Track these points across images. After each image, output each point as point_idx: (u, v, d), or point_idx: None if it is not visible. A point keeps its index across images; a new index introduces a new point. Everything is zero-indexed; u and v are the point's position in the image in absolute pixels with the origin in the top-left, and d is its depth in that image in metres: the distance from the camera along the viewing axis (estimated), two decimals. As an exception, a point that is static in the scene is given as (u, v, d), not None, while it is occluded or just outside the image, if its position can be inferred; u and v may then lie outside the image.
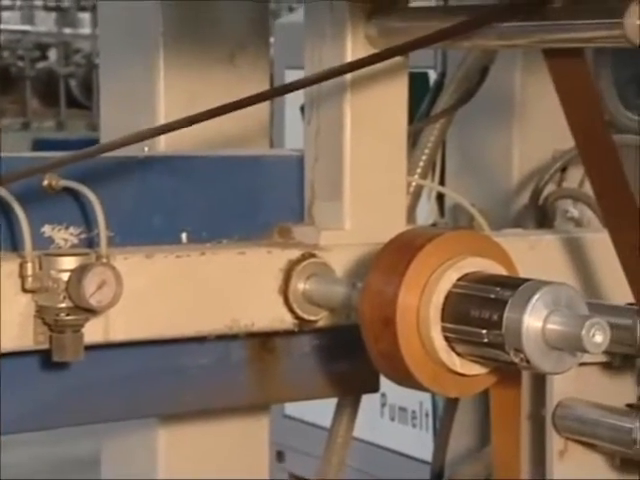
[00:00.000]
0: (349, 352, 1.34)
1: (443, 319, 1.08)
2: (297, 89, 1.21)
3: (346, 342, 1.30)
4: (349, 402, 1.61)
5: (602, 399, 1.28)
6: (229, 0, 1.56)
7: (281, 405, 3.15)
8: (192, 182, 1.33)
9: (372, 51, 1.28)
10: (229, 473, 1.57)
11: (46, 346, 1.15)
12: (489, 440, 1.20)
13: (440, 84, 2.03)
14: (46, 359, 1.17)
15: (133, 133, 1.16)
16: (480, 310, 1.06)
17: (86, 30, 11.84)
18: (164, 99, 1.53)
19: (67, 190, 1.20)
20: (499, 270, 1.11)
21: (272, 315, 1.26)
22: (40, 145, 9.83)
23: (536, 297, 1.04)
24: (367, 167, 1.33)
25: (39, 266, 1.14)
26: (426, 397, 2.91)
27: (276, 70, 3.11)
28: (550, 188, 1.88)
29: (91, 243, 1.23)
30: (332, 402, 1.61)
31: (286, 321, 1.27)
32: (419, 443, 2.94)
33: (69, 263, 1.14)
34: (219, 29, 1.55)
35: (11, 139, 9.18)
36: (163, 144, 1.48)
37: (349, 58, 1.29)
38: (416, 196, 1.74)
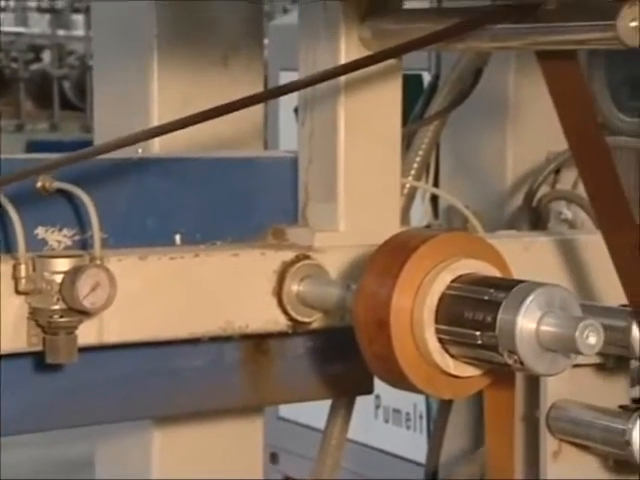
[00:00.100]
0: (343, 354, 1.34)
1: (437, 321, 1.08)
2: (291, 91, 1.21)
3: (340, 344, 1.30)
4: (343, 404, 1.61)
5: (596, 401, 1.28)
6: (223, 2, 1.56)
7: (275, 407, 3.15)
8: (186, 184, 1.33)
9: (366, 53, 1.28)
10: (223, 475, 1.57)
11: (39, 348, 1.15)
12: (483, 442, 1.20)
13: (434, 86, 2.03)
14: (40, 361, 1.17)
15: (127, 136, 1.16)
16: (474, 312, 1.06)
17: (80, 32, 11.83)
18: (158, 101, 1.53)
19: (60, 192, 1.20)
20: (493, 272, 1.11)
21: (266, 317, 1.26)
22: (34, 147, 9.83)
23: (530, 299, 1.04)
24: (361, 169, 1.33)
25: (33, 268, 1.14)
26: (420, 399, 2.91)
27: (270, 72, 3.11)
28: (544, 190, 1.88)
29: (85, 245, 1.23)
30: (326, 404, 1.61)
31: (280, 323, 1.27)
32: (413, 445, 2.94)
33: (63, 265, 1.14)
34: (213, 31, 1.55)
35: (5, 141, 9.17)
36: (157, 146, 1.49)
37: (343, 60, 1.29)
38: (410, 198, 1.74)
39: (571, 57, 1.19)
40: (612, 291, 1.29)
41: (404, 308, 1.09)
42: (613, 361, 1.29)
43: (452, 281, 1.09)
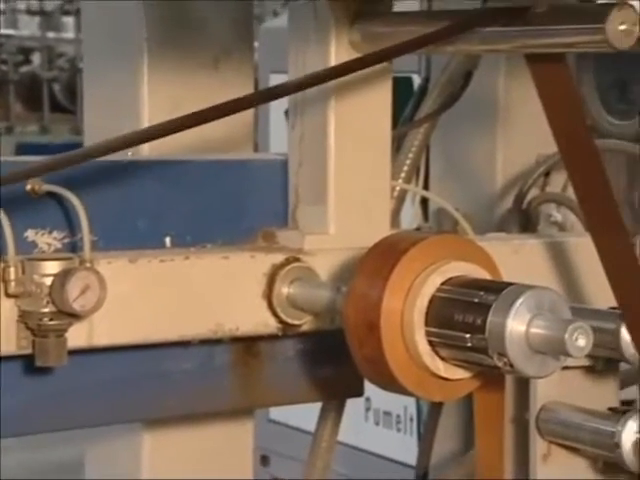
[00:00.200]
0: (333, 356, 1.34)
1: (427, 323, 1.09)
2: (280, 96, 1.21)
3: (330, 346, 1.30)
4: (333, 406, 1.61)
5: (585, 403, 1.28)
6: (213, 5, 1.56)
7: (265, 409, 3.15)
8: (176, 186, 1.33)
9: (356, 56, 1.28)
10: (214, 477, 1.57)
11: (29, 351, 1.15)
12: (473, 444, 1.20)
13: (424, 89, 2.03)
14: (29, 364, 1.17)
15: (116, 138, 1.15)
16: (464, 314, 1.06)
17: (70, 34, 11.81)
18: (148, 104, 1.53)
19: (50, 194, 1.19)
20: (483, 274, 1.12)
21: (256, 319, 1.26)
22: (24, 149, 9.80)
23: (519, 301, 1.04)
24: (351, 171, 1.33)
25: (22, 271, 1.14)
26: (410, 401, 2.91)
27: (261, 74, 3.11)
28: (533, 192, 1.88)
29: (74, 248, 1.23)
30: (316, 406, 1.61)
31: (270, 325, 1.27)
32: (403, 447, 2.94)
33: (52, 268, 1.14)
34: (203, 34, 1.55)
35: (-6, 143, 9.15)
36: (147, 148, 1.48)
37: (333, 63, 1.29)
38: (400, 200, 1.75)
39: (560, 60, 1.20)
40: (601, 293, 1.30)
41: (394, 310, 1.09)
42: (602, 363, 1.30)
43: (442, 283, 1.09)
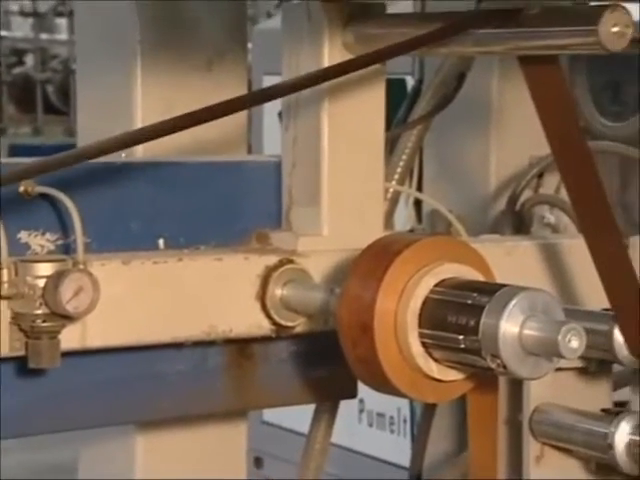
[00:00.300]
0: (327, 358, 1.35)
1: (420, 325, 1.09)
2: (274, 98, 1.21)
3: (324, 348, 1.30)
4: (327, 408, 1.61)
5: (578, 404, 1.29)
6: (207, 7, 1.56)
7: (259, 411, 3.14)
8: (169, 188, 1.32)
9: (349, 57, 1.28)
10: (207, 479, 1.57)
11: (22, 353, 1.15)
12: (466, 445, 1.20)
13: (417, 90, 2.04)
14: (22, 366, 1.16)
15: (108, 139, 1.15)
16: (457, 316, 1.06)
17: (63, 36, 11.79)
18: (141, 106, 1.53)
19: (43, 196, 1.19)
20: (476, 276, 1.12)
21: (250, 321, 1.26)
22: (16, 151, 9.78)
23: (513, 303, 1.04)
24: (345, 173, 1.33)
25: (15, 272, 1.14)
26: (404, 403, 2.92)
27: (254, 76, 3.11)
28: (527, 194, 1.89)
29: (68, 249, 1.23)
30: (310, 408, 1.61)
31: (264, 327, 1.27)
32: (397, 449, 2.94)
33: (45, 269, 1.13)
34: (196, 36, 1.55)
35: (-13, 145, 9.14)
36: (140, 149, 1.48)
37: (326, 64, 1.29)
38: (394, 202, 1.75)
39: (553, 62, 1.20)
40: (594, 295, 1.30)
41: (388, 312, 1.09)
42: (595, 365, 1.30)
43: (435, 285, 1.09)
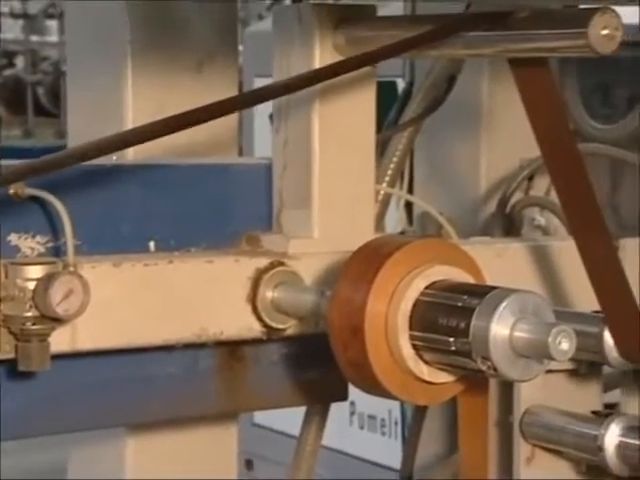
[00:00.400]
0: (318, 360, 1.34)
1: (411, 327, 1.09)
2: (265, 100, 1.21)
3: (315, 350, 1.30)
4: (318, 410, 1.61)
5: (569, 406, 1.29)
6: (197, 8, 1.56)
7: (250, 413, 3.14)
8: (160, 190, 1.32)
9: (340, 59, 1.28)
10: (198, 482, 1.57)
11: (12, 356, 1.15)
12: (457, 447, 1.20)
13: (408, 93, 2.04)
14: (12, 369, 1.16)
15: (97, 141, 1.15)
16: (447, 318, 1.06)
17: (53, 38, 11.77)
18: (132, 108, 1.52)
19: (33, 198, 1.19)
20: (467, 278, 1.12)
21: (240, 324, 1.26)
22: (7, 153, 9.76)
23: (503, 305, 1.04)
24: (335, 175, 1.33)
25: (5, 275, 1.13)
26: (395, 405, 2.92)
27: (245, 78, 3.11)
28: (517, 196, 1.89)
29: (58, 252, 1.22)
30: (301, 410, 1.61)
31: (254, 329, 1.27)
32: (388, 451, 2.94)
33: (35, 272, 1.13)
34: (187, 37, 1.55)
35: (-23, 147, 9.11)
36: (131, 151, 1.48)
37: (317, 66, 1.29)
38: (384, 204, 1.75)
39: (543, 64, 1.20)
40: (585, 297, 1.30)
41: (378, 314, 1.09)
42: (586, 367, 1.30)
43: (426, 287, 1.09)
